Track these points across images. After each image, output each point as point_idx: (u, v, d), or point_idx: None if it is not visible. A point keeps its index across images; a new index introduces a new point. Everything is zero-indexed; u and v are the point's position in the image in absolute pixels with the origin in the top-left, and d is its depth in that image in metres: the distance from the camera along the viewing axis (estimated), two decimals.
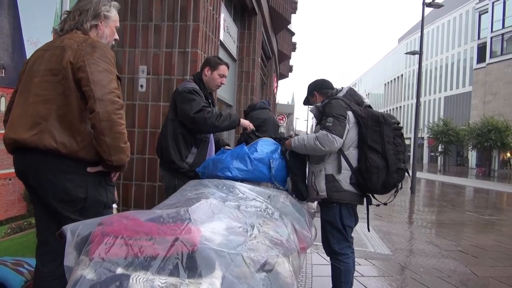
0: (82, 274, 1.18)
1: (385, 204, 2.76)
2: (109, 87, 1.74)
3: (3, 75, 2.66)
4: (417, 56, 13.60)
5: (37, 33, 2.94)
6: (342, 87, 2.88)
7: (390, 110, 59.52)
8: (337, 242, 2.76)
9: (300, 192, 2.82)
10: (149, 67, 3.90)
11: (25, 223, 2.85)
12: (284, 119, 23.23)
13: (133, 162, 3.87)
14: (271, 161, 2.75)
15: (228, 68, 3.22)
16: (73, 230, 1.34)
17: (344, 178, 2.66)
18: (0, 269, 2.29)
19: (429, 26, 47.34)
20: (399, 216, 8.25)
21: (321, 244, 2.95)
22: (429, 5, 13.20)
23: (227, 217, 1.53)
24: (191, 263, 1.21)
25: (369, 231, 3.12)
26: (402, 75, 55.57)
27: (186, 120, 2.89)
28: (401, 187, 2.72)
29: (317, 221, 2.83)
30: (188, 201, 1.60)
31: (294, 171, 2.84)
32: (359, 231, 5.93)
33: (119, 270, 1.18)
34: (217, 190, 1.92)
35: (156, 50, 3.91)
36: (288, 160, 2.85)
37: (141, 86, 3.89)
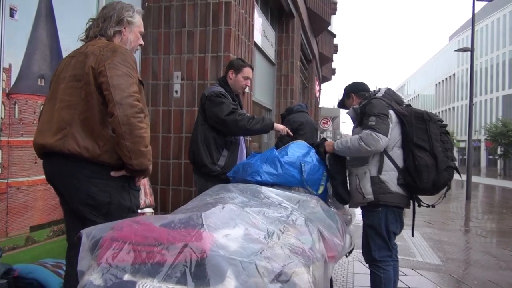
0: (89, 280, 1.15)
1: (433, 206, 2.65)
2: (128, 90, 1.73)
3: (43, 84, 2.77)
4: (470, 54, 12.82)
5: (74, 42, 3.04)
6: (379, 88, 2.80)
7: (442, 111, 56.74)
8: (378, 249, 2.62)
9: (341, 196, 2.71)
10: (183, 72, 3.93)
11: None
12: (329, 123, 22.84)
13: (169, 167, 3.91)
14: (302, 164, 2.64)
15: (252, 69, 3.19)
16: (88, 234, 1.32)
17: (391, 179, 2.55)
18: (40, 271, 2.36)
19: (482, 22, 44.66)
20: (452, 223, 7.73)
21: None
22: None
23: (245, 223, 1.44)
24: (200, 271, 1.14)
25: (413, 236, 2.92)
26: (454, 74, 52.75)
27: (217, 123, 2.89)
28: (450, 187, 2.58)
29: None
30: (205, 206, 1.54)
31: (334, 175, 2.75)
32: (407, 239, 5.61)
33: (126, 277, 1.14)
34: (240, 195, 1.84)
35: (190, 55, 3.93)
36: (328, 164, 2.75)
37: (176, 91, 3.93)
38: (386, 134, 2.46)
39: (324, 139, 2.97)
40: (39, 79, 2.73)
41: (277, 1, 7.39)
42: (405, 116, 2.58)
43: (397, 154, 2.58)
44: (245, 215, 1.50)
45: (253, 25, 4.65)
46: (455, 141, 46.88)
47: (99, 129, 1.77)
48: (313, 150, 2.84)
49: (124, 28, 2.01)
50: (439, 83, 58.97)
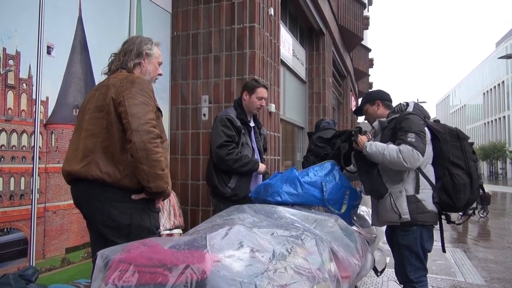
0: None
1: (459, 224, 2.65)
2: (145, 118, 1.85)
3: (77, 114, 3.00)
4: None
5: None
6: (406, 102, 2.71)
7: (492, 121, 53.83)
8: (414, 270, 2.51)
9: (379, 191, 2.53)
10: (210, 96, 4.08)
11: None
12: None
13: (199, 188, 4.02)
14: (323, 183, 2.63)
15: (266, 89, 3.23)
16: (102, 255, 1.41)
17: (427, 198, 2.46)
18: None
19: None
20: (500, 240, 7.24)
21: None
22: None
23: (251, 243, 1.47)
24: None
25: (444, 251, 2.76)
26: (503, 81, 50.10)
27: (211, 151, 3.05)
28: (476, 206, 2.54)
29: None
30: (212, 227, 1.59)
31: (364, 171, 2.61)
32: (448, 257, 5.34)
33: None
34: (252, 216, 1.88)
35: (216, 79, 4.08)
36: (354, 158, 2.67)
37: (204, 114, 4.07)
38: (423, 154, 2.39)
39: (360, 129, 2.73)
40: (74, 109, 2.95)
41: (307, 21, 7.50)
42: (439, 132, 2.51)
43: (430, 171, 2.51)
44: (252, 235, 1.53)
45: (278, 47, 4.74)
46: (507, 152, 44.15)
47: (119, 155, 1.90)
48: (336, 169, 2.81)
49: (144, 60, 2.15)
50: (487, 91, 56.18)
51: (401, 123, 2.48)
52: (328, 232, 2.07)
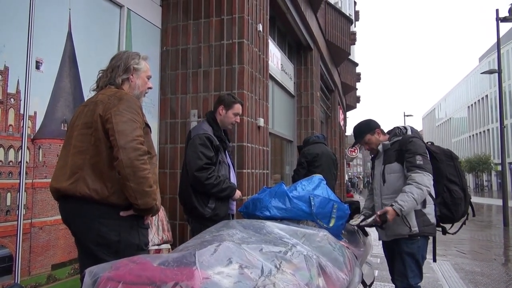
0: None
1: (454, 233, 2.86)
2: (132, 135, 1.85)
3: (66, 129, 2.98)
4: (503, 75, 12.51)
5: None
6: (404, 126, 2.96)
7: (476, 134, 54.81)
8: (414, 276, 2.72)
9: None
10: (199, 110, 4.10)
11: None
12: (356, 150, 22.56)
13: None
14: (311, 198, 2.66)
15: (242, 105, 3.15)
16: (90, 273, 1.40)
17: (431, 212, 2.71)
18: None
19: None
20: (487, 252, 7.33)
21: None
22: (504, 20, 12.23)
23: (240, 260, 1.48)
24: None
25: (435, 261, 3.04)
26: (487, 95, 51.24)
27: (188, 172, 2.85)
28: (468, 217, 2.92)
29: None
30: (201, 244, 1.60)
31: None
32: (435, 270, 5.37)
33: None
34: (241, 231, 1.89)
35: (206, 94, 4.11)
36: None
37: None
38: (431, 173, 2.64)
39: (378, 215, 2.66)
40: (62, 124, 2.94)
41: (295, 36, 7.62)
42: (436, 153, 2.82)
43: (431, 188, 2.71)
44: (241, 252, 1.54)
45: (267, 62, 4.81)
46: (492, 164, 44.89)
47: (107, 171, 1.89)
48: (323, 183, 2.85)
49: (132, 75, 2.14)
50: (472, 105, 57.33)
51: (407, 145, 2.73)
52: (316, 246, 2.09)
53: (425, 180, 2.57)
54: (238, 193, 3.02)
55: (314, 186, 2.80)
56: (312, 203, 2.65)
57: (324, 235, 2.28)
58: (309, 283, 1.57)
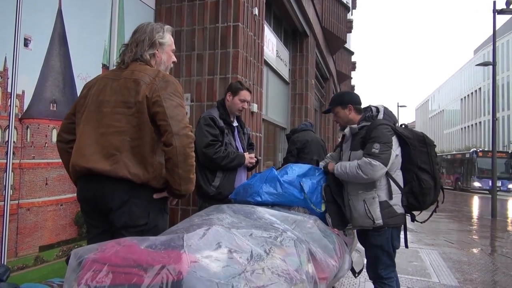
0: None
1: (423, 222, 2.83)
2: (184, 122, 1.81)
3: (55, 109, 2.91)
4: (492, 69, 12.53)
5: (87, 68, 3.21)
6: (377, 107, 2.78)
7: (468, 126, 55.24)
8: (384, 268, 2.67)
9: (341, 219, 2.69)
10: (192, 94, 4.04)
11: (76, 246, 3.03)
12: None
13: None
14: (301, 183, 2.65)
15: (250, 92, 3.27)
16: (76, 254, 1.37)
17: (398, 202, 2.60)
18: None
19: (507, 36, 43.65)
20: (474, 242, 7.44)
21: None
22: (501, 12, 12.21)
23: (229, 244, 1.46)
24: None
25: (407, 247, 2.97)
26: (480, 88, 51.53)
27: (197, 151, 2.98)
28: (438, 205, 2.78)
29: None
30: (190, 227, 1.58)
31: (334, 197, 2.72)
32: (424, 259, 5.44)
33: None
34: (231, 216, 1.87)
35: (199, 78, 4.04)
36: (329, 185, 2.74)
37: (186, 113, 4.02)
38: (386, 165, 2.50)
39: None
40: (51, 104, 2.87)
41: (291, 22, 7.52)
42: (408, 138, 2.62)
43: (399, 176, 2.64)
44: (231, 236, 1.53)
45: (262, 47, 4.74)
46: None
47: (149, 156, 1.83)
48: (313, 169, 2.85)
49: (157, 50, 2.03)
50: (465, 97, 57.68)
51: (371, 133, 2.59)
52: (307, 233, 2.09)
53: (368, 168, 2.46)
54: (247, 156, 3.12)
55: (303, 172, 2.80)
56: (303, 187, 2.65)
57: (314, 222, 2.28)
58: (298, 269, 1.56)
